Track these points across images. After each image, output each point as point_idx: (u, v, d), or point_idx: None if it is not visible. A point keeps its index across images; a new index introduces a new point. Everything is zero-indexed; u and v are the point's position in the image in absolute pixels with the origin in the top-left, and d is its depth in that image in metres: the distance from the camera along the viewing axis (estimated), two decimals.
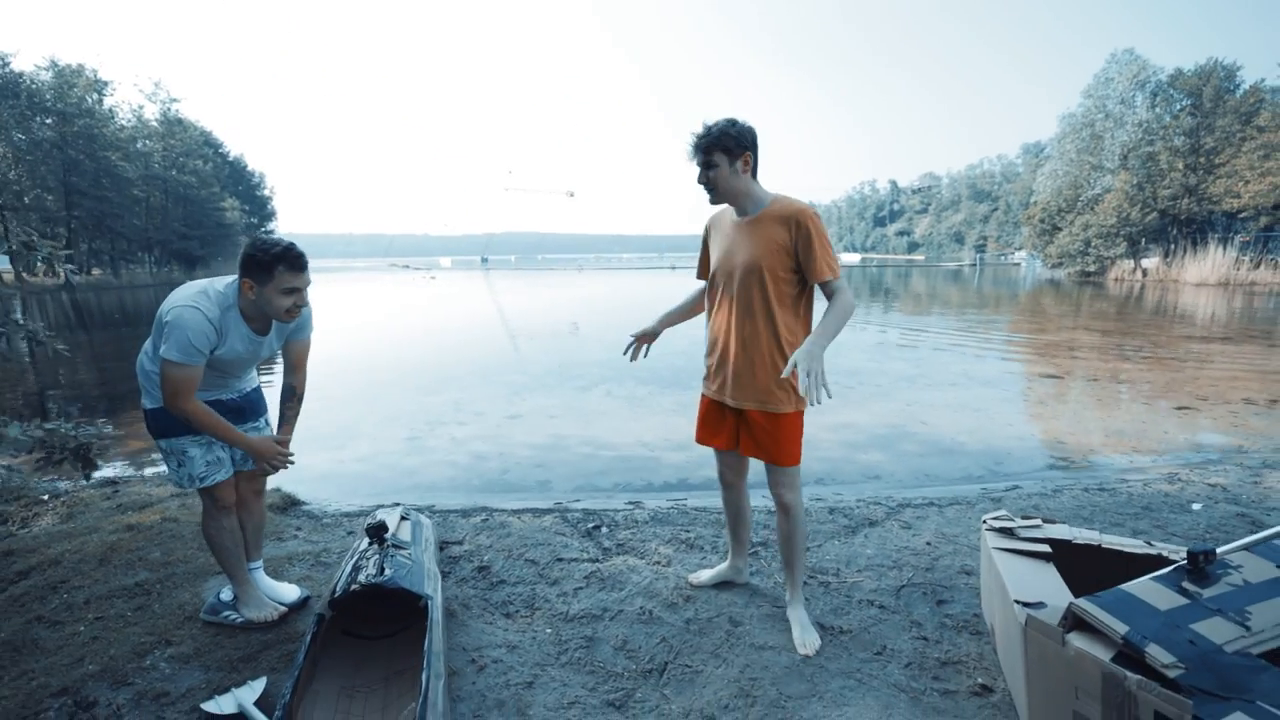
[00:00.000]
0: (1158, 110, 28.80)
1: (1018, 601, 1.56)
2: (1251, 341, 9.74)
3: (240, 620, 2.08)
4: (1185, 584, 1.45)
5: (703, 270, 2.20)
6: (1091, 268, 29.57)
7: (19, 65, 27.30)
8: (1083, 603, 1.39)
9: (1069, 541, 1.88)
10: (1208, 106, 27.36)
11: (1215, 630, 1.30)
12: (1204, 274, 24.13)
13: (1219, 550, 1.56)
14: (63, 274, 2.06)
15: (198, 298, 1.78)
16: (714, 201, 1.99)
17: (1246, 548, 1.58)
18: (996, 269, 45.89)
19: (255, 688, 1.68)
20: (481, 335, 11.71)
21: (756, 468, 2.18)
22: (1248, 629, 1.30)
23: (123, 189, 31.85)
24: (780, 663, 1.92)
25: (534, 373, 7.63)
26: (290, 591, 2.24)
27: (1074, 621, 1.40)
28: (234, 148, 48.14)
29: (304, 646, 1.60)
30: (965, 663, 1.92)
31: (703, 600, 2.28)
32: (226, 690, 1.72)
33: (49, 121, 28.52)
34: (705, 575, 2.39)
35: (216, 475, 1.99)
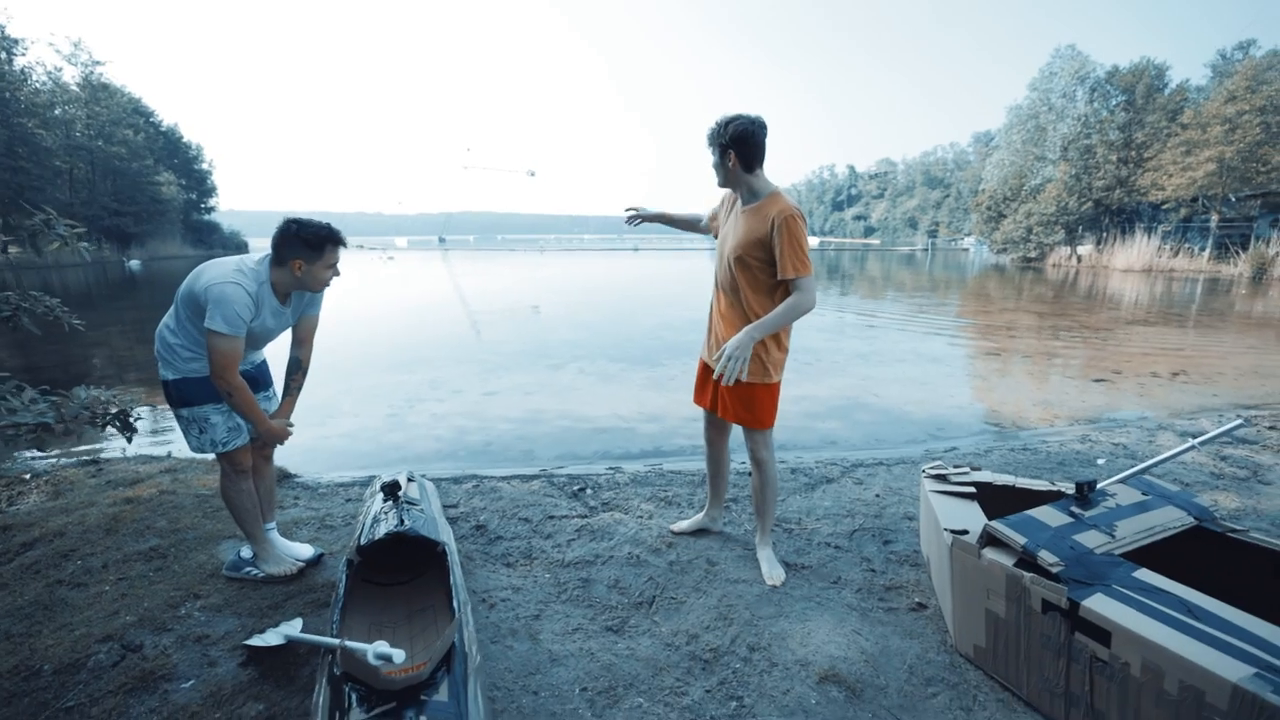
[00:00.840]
0: (1095, 105, 30.40)
1: (946, 529, 1.91)
2: (1164, 322, 10.70)
3: (262, 575, 2.26)
4: (1073, 508, 1.82)
5: (711, 218, 2.48)
6: (1033, 253, 31.22)
7: None
8: (994, 524, 1.74)
9: (990, 484, 2.25)
10: (1139, 103, 29.05)
11: (1090, 539, 1.66)
12: (1130, 261, 25.88)
13: (1100, 483, 1.94)
14: (80, 253, 2.14)
15: (235, 274, 1.93)
16: (719, 183, 2.24)
17: (1121, 481, 1.97)
18: (947, 253, 47.81)
19: (295, 624, 1.88)
20: (448, 316, 11.68)
21: (737, 431, 2.47)
22: (1113, 537, 1.68)
23: (42, 159, 29.46)
24: (752, 592, 2.23)
25: (506, 352, 7.76)
26: (304, 549, 2.43)
27: (987, 539, 1.75)
28: (168, 117, 45.14)
29: (341, 586, 1.81)
30: (905, 588, 2.28)
31: (683, 546, 2.58)
32: (264, 630, 1.91)
33: None
34: (684, 524, 2.70)
35: (237, 440, 2.14)
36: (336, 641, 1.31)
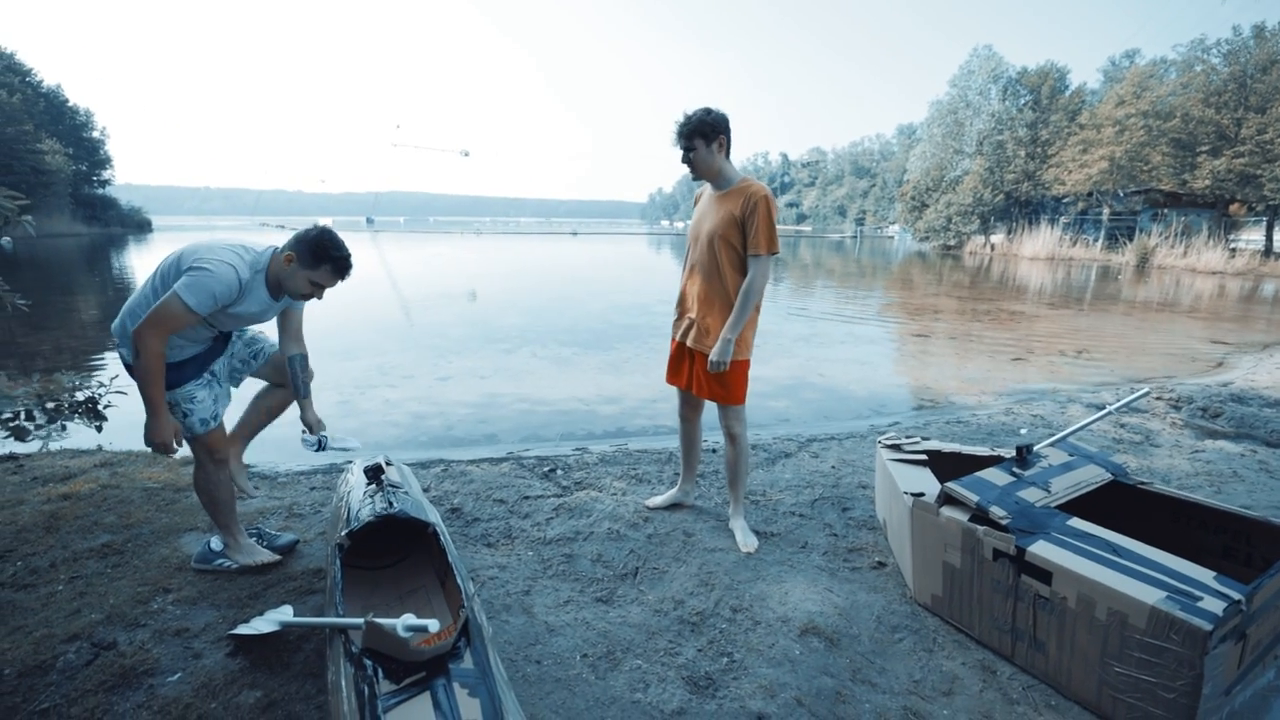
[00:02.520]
0: (1007, 103, 32.61)
1: (906, 492, 2.11)
2: (1066, 306, 11.80)
3: (235, 566, 2.19)
4: (1014, 469, 2.06)
5: None
6: (952, 242, 33.36)
7: None
8: (951, 485, 1.95)
9: (939, 451, 2.48)
10: (1044, 103, 31.43)
11: (1030, 494, 1.90)
12: (1036, 249, 28.17)
13: (1035, 447, 2.20)
14: (24, 228, 1.96)
15: (233, 257, 1.85)
16: (695, 178, 2.33)
17: (1052, 444, 2.23)
18: (874, 241, 50.21)
19: (285, 611, 1.85)
20: (385, 301, 11.23)
21: (709, 412, 2.60)
22: (1049, 492, 1.92)
23: None
24: (729, 559, 2.38)
25: (454, 336, 7.60)
26: (279, 538, 2.36)
27: (945, 499, 1.96)
28: (49, 78, 40.29)
29: (336, 570, 1.79)
30: (865, 549, 2.50)
31: (659, 519, 2.69)
32: (249, 618, 1.87)
33: None
34: (659, 499, 2.81)
35: (214, 423, 2.06)
36: (360, 620, 1.33)
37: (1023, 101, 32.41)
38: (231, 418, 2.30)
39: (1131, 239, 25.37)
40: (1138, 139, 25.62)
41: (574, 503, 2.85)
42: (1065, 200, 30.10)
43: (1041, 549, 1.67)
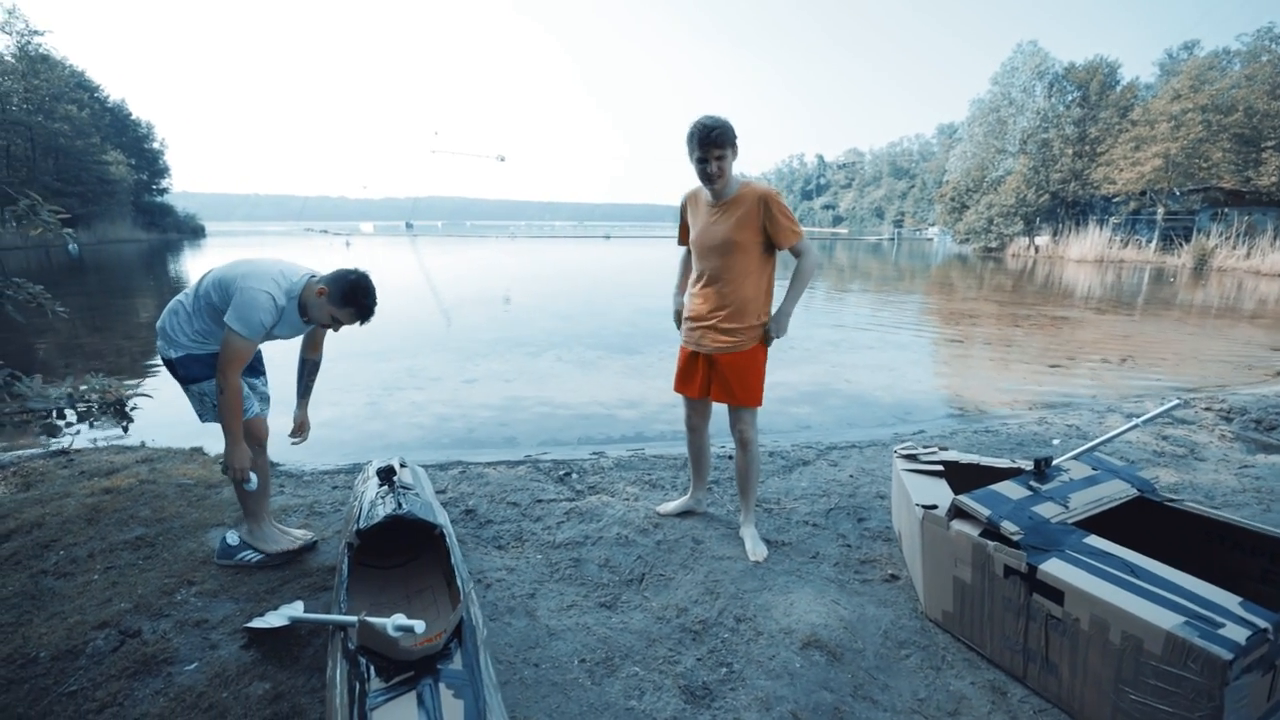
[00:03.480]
0: (1053, 100, 31.42)
1: (918, 504, 2.05)
2: (1114, 311, 11.27)
3: (256, 559, 2.28)
4: (1031, 483, 1.98)
5: (683, 238, 2.56)
6: (993, 244, 32.28)
7: None
8: (961, 498, 1.89)
9: (956, 462, 2.41)
10: (1093, 99, 30.16)
11: (1046, 510, 1.82)
12: (1084, 251, 27.00)
13: (1055, 460, 2.11)
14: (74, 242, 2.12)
15: (271, 283, 1.97)
16: (715, 188, 2.29)
17: (1074, 457, 2.14)
18: (912, 243, 49.00)
19: (297, 606, 1.92)
20: (420, 304, 11.52)
21: (717, 418, 2.58)
22: (1067, 508, 1.84)
23: None
24: (737, 568, 2.35)
25: (483, 339, 7.74)
26: (301, 534, 2.45)
27: (955, 511, 1.90)
28: (114, 93, 42.85)
29: (344, 567, 1.85)
30: (879, 561, 2.44)
31: (669, 526, 2.68)
32: (264, 612, 1.94)
33: None
34: (670, 506, 2.80)
35: (249, 410, 2.16)
36: (354, 618, 1.37)
37: (1070, 98, 31.18)
38: None
39: (1189, 240, 24.08)
40: (1195, 135, 24.34)
41: (585, 507, 2.87)
42: (1116, 200, 28.79)
43: (1054, 567, 1.60)
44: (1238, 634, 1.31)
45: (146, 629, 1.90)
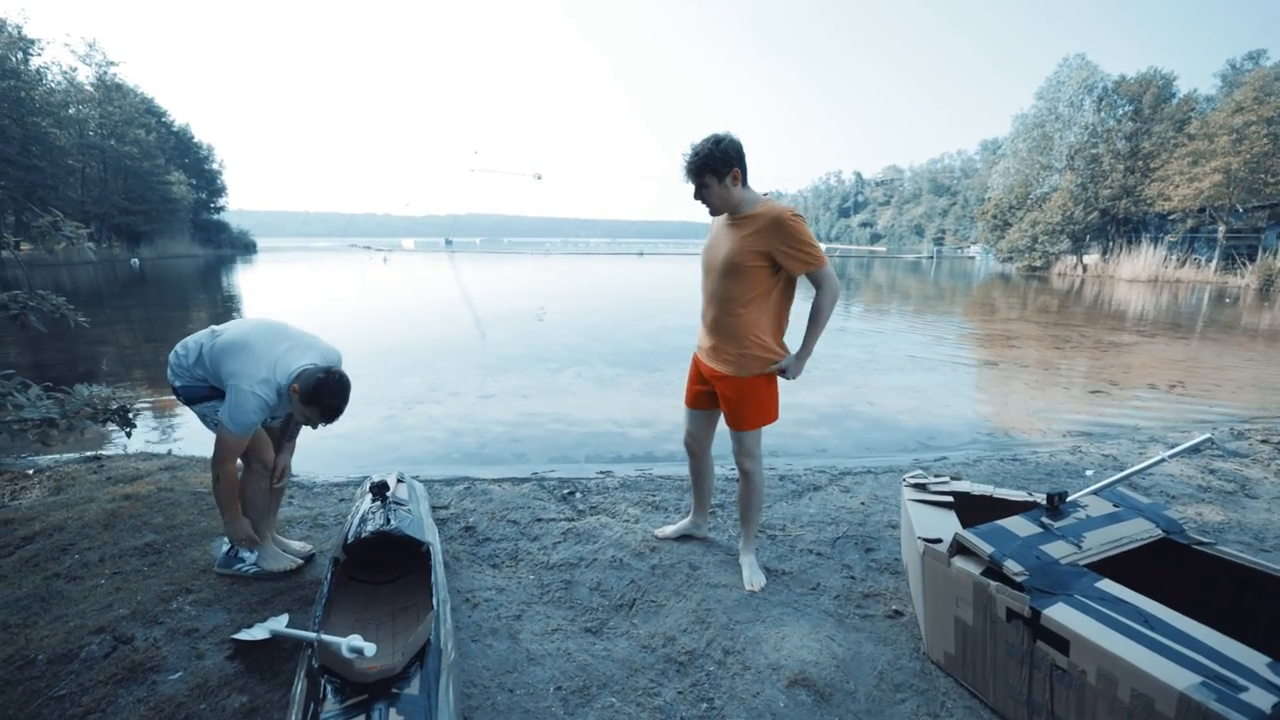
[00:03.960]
0: (1103, 114, 30.31)
1: (920, 537, 1.94)
2: (1166, 333, 10.67)
3: (254, 571, 2.31)
4: (1043, 518, 1.85)
5: None
6: (1038, 262, 31.11)
7: None
8: (963, 533, 1.77)
9: (968, 493, 2.28)
10: (1147, 113, 28.96)
11: (1056, 549, 1.70)
12: (1136, 271, 25.77)
13: (1072, 495, 1.97)
14: (84, 252, 2.23)
15: (261, 386, 2.02)
16: (713, 214, 2.23)
17: (1094, 492, 2.00)
18: (953, 262, 47.70)
19: (281, 620, 1.93)
20: (451, 319, 11.77)
21: (719, 444, 2.51)
22: (1080, 548, 1.71)
23: (55, 158, 29.82)
24: (731, 597, 2.27)
25: (506, 355, 7.83)
26: (300, 547, 2.48)
27: (957, 548, 1.79)
28: (179, 117, 45.63)
29: (326, 583, 1.86)
30: (884, 595, 2.31)
31: (666, 550, 2.62)
32: (252, 624, 1.96)
33: None
34: (669, 529, 2.74)
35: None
36: (314, 635, 1.36)
37: (1121, 112, 30.03)
38: None
39: (1253, 259, 22.72)
40: (1260, 148, 23.04)
41: (584, 527, 2.83)
42: (1171, 217, 27.44)
43: (1059, 613, 1.48)
44: (1262, 700, 1.18)
45: (140, 636, 1.94)
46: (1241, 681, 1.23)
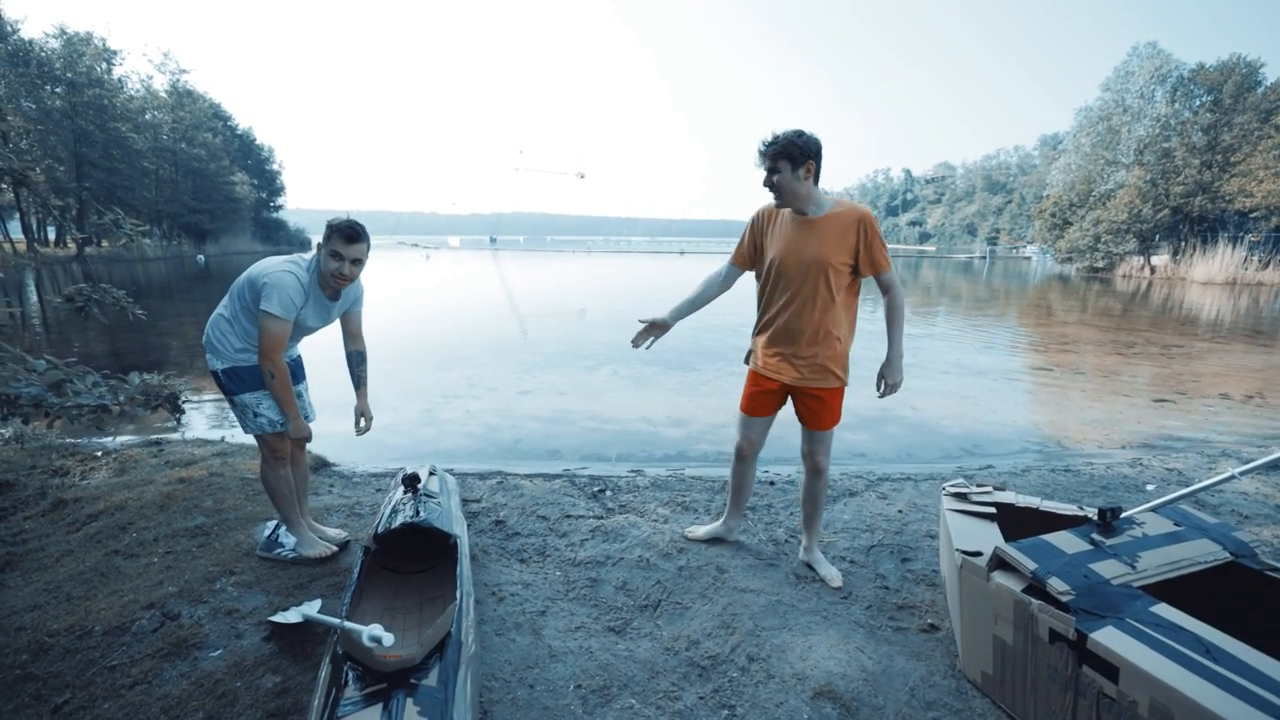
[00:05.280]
0: (1177, 105, 28.42)
1: (958, 549, 1.85)
2: (1244, 340, 9.91)
3: (292, 556, 2.40)
4: (1093, 535, 1.74)
5: (740, 257, 2.38)
6: (1100, 263, 29.46)
7: (27, 32, 27.31)
8: (1004, 547, 1.68)
9: (1012, 505, 2.16)
10: (1228, 103, 26.98)
11: (1108, 569, 1.59)
12: (1211, 273, 24.10)
13: (1127, 511, 1.84)
14: (142, 248, 2.37)
15: (291, 265, 2.12)
16: (778, 203, 2.21)
17: (1153, 509, 1.86)
18: (1007, 262, 45.68)
19: (315, 605, 2.00)
20: (492, 315, 11.99)
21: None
22: (1134, 568, 1.59)
23: (133, 161, 31.94)
24: (759, 602, 2.22)
25: (544, 352, 7.92)
26: (335, 535, 2.56)
27: (997, 563, 1.69)
28: (243, 121, 48.23)
29: (355, 572, 1.91)
30: (919, 607, 2.22)
31: (694, 552, 2.58)
32: (288, 608, 2.03)
33: (58, 90, 28.48)
34: (700, 530, 2.70)
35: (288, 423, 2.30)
36: (337, 622, 1.39)
37: (1198, 103, 28.08)
38: None
39: None
40: None
41: (612, 526, 2.82)
42: (1254, 215, 25.52)
43: (1108, 637, 1.38)
44: None
45: (185, 613, 2.04)
46: None
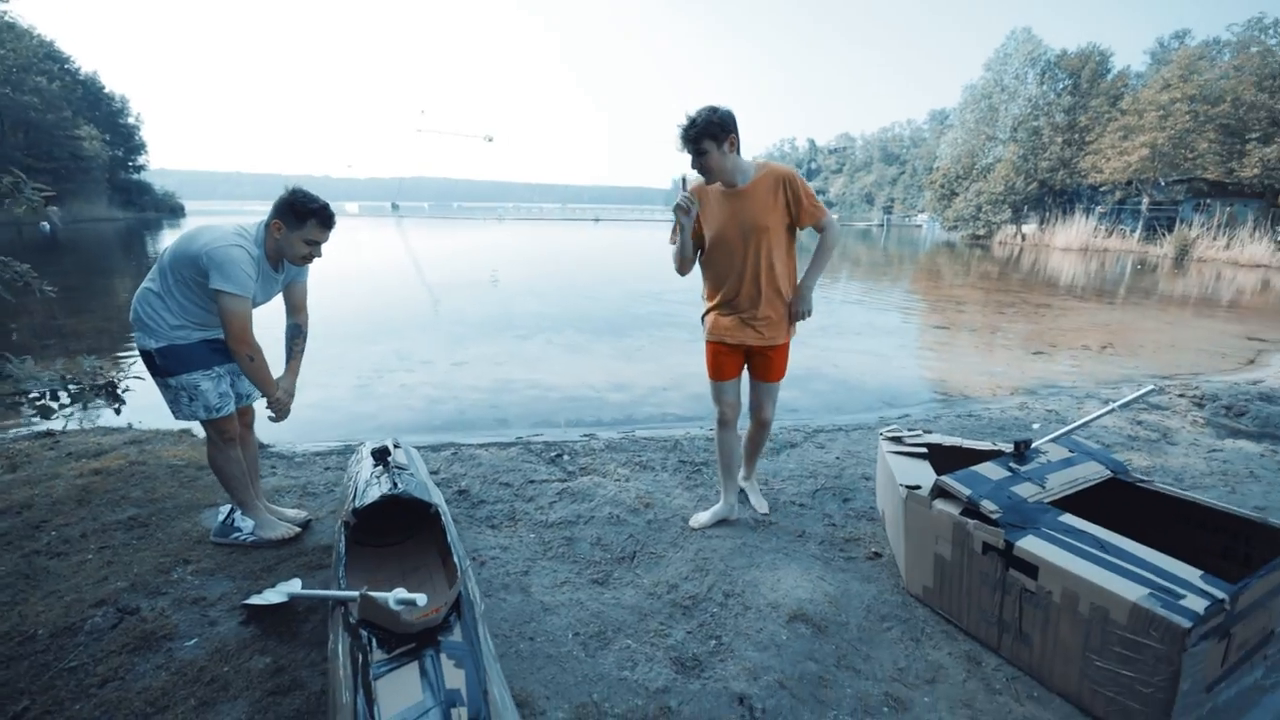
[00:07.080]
0: (1044, 87, 31.46)
1: (902, 484, 2.12)
2: (1096, 299, 11.46)
3: (252, 539, 2.30)
4: (1010, 464, 2.05)
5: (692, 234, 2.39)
6: (981, 232, 32.50)
7: None
8: (943, 478, 1.95)
9: (939, 444, 2.48)
10: (1084, 87, 30.24)
11: (1024, 490, 1.89)
12: (1069, 240, 27.32)
13: (1034, 443, 2.19)
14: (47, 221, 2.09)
15: (237, 238, 1.96)
16: (709, 182, 2.26)
17: (1052, 440, 2.22)
18: (901, 230, 49.17)
19: (294, 584, 1.95)
20: (411, 286, 11.42)
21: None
22: (1044, 488, 1.91)
23: None
24: (726, 546, 2.42)
25: (471, 323, 7.72)
26: (295, 515, 2.47)
27: (938, 491, 1.97)
28: (86, 65, 41.50)
29: (340, 545, 1.88)
30: (863, 540, 2.51)
31: (659, 506, 2.74)
32: (262, 590, 1.97)
33: None
34: (704, 517, 2.60)
35: (228, 407, 2.16)
36: (356, 593, 1.40)
37: (1061, 86, 31.24)
38: None
39: (1171, 230, 24.44)
40: (1182, 125, 24.55)
41: (577, 487, 2.91)
42: (1102, 189, 29.06)
43: (1029, 544, 1.67)
44: (1197, 604, 1.39)
45: (145, 606, 1.93)
46: (1180, 591, 1.44)
